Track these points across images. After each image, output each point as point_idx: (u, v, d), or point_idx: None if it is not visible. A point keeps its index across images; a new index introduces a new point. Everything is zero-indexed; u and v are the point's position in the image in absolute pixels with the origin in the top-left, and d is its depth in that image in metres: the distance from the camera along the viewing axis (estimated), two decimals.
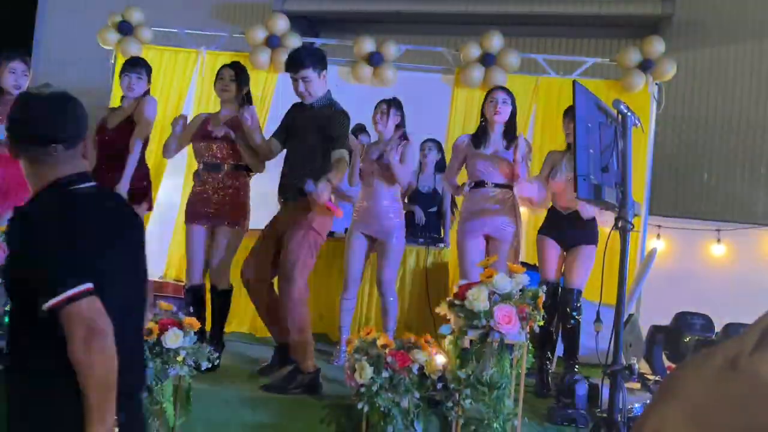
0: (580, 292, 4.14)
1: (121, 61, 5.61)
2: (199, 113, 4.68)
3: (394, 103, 4.50)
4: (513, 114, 4.31)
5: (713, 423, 0.44)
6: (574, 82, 2.81)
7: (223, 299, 4.15)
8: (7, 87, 4.32)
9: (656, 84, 5.62)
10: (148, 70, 4.43)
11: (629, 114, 2.87)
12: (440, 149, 5.59)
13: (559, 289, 4.17)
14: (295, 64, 3.81)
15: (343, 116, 3.85)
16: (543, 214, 4.42)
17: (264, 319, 4.18)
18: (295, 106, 4.08)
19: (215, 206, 4.09)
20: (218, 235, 4.09)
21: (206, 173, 4.14)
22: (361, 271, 4.52)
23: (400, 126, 4.48)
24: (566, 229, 4.17)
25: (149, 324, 3.09)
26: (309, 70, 3.79)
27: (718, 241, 6.46)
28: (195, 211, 4.17)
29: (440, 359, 3.23)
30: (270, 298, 4.02)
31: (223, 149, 4.10)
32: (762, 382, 0.44)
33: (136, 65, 4.40)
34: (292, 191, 3.85)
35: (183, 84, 6.19)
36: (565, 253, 4.22)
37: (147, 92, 4.39)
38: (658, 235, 6.47)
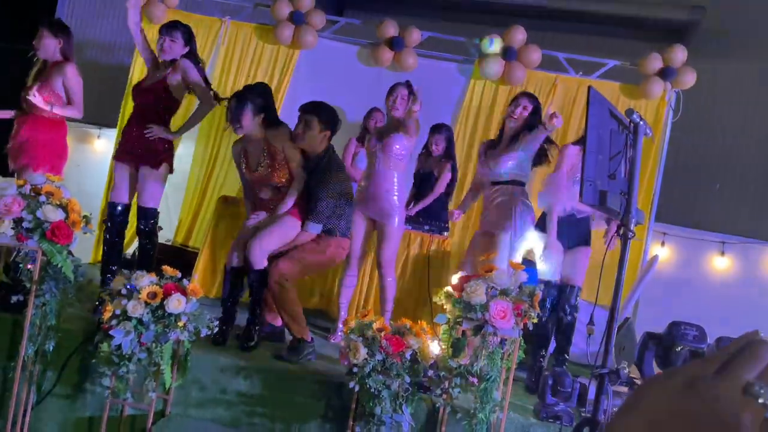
0: (579, 289, 4.23)
1: (147, 23, 5.66)
2: None
3: (413, 90, 4.50)
4: (531, 116, 4.35)
5: None
6: (589, 87, 2.83)
7: None
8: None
9: (674, 92, 5.61)
10: (185, 33, 4.44)
11: (641, 123, 2.90)
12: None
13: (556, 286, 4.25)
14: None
15: None
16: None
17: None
18: None
19: None
20: None
21: None
22: (362, 249, 4.57)
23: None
24: (565, 231, 4.24)
25: (153, 288, 3.17)
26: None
27: (722, 253, 6.46)
28: None
29: (435, 348, 3.30)
30: None
31: None
32: (713, 405, 0.50)
33: (171, 28, 4.42)
34: None
35: (204, 51, 6.21)
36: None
37: (184, 56, 4.40)
38: (663, 243, 6.48)
